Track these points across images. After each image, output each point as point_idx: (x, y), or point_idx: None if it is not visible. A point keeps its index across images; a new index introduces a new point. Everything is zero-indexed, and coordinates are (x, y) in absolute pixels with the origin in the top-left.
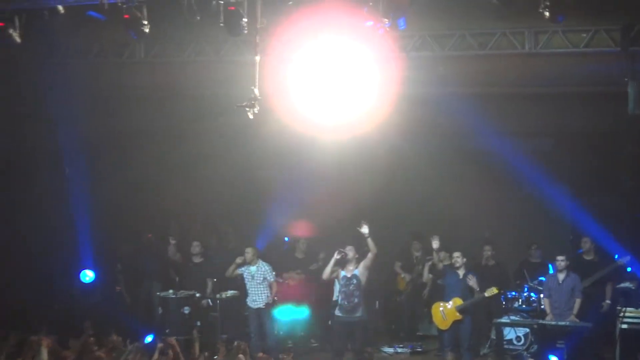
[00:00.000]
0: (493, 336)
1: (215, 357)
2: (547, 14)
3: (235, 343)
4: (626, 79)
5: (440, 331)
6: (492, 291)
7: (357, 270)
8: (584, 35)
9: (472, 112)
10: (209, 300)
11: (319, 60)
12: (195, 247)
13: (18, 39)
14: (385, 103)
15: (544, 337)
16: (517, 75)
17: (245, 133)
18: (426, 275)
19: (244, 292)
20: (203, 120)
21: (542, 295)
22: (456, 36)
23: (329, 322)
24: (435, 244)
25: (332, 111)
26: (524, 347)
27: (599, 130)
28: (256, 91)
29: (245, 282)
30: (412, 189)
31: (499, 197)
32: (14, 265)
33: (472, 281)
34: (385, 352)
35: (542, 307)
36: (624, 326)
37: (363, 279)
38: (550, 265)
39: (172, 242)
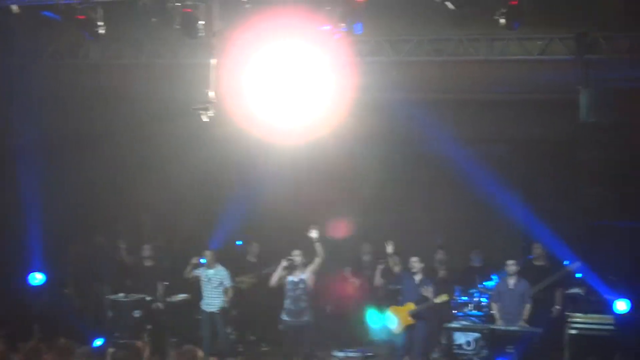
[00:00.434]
0: (444, 341)
1: None
2: (502, 21)
3: (185, 347)
4: (579, 87)
5: (393, 336)
6: (442, 298)
7: (304, 275)
8: (540, 42)
9: (427, 117)
10: (160, 304)
11: (275, 64)
12: (146, 250)
13: None
14: (340, 107)
15: (494, 342)
16: (472, 81)
17: (200, 136)
18: (378, 280)
19: (195, 296)
20: (158, 123)
21: (492, 301)
22: (413, 42)
23: (279, 327)
24: (390, 248)
25: (288, 115)
26: (474, 352)
27: (553, 138)
28: (211, 94)
29: (202, 284)
30: (365, 193)
31: (452, 202)
32: None
33: (428, 292)
34: (336, 356)
35: (492, 311)
36: (573, 331)
37: (310, 283)
38: (494, 276)
39: (122, 246)
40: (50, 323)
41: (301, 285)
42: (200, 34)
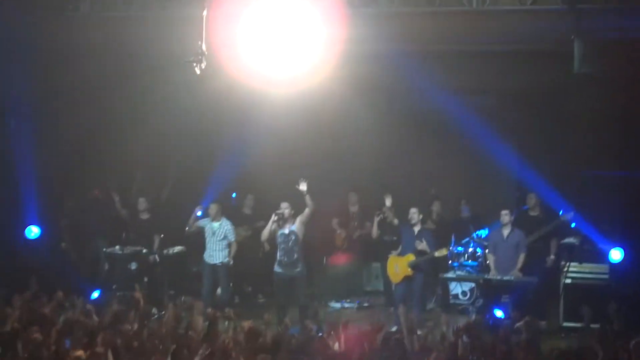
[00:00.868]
0: (439, 291)
1: (162, 312)
2: None
3: (182, 298)
4: (572, 37)
5: (392, 285)
6: (442, 252)
7: (294, 226)
8: None
9: (418, 69)
10: (156, 256)
11: (267, 15)
12: (142, 203)
13: None
14: (331, 58)
15: (489, 292)
16: (464, 32)
17: (193, 88)
18: (375, 232)
19: (191, 249)
20: (150, 75)
21: (487, 251)
22: None
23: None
24: (388, 201)
25: (279, 65)
26: (470, 302)
27: (545, 89)
28: (203, 46)
29: (205, 237)
30: (357, 145)
31: (444, 153)
32: None
33: (422, 245)
34: (332, 307)
35: (488, 262)
36: (568, 281)
37: (300, 234)
38: (485, 228)
39: (116, 199)
40: (47, 276)
41: (292, 237)
42: None
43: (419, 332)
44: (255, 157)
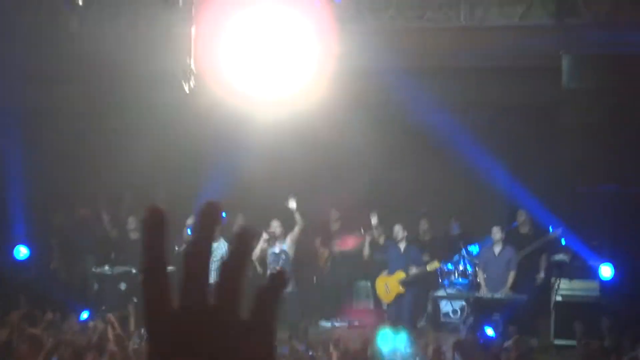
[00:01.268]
0: (430, 309)
1: None
2: None
3: None
4: (561, 53)
5: (382, 304)
6: (434, 265)
7: (285, 245)
8: (519, 8)
9: (408, 85)
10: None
11: (255, 32)
12: (131, 222)
13: None
14: (321, 76)
15: (479, 310)
16: (453, 48)
17: (180, 106)
18: (367, 252)
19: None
20: (138, 93)
21: (477, 268)
22: (392, 8)
23: None
24: (374, 220)
25: (269, 84)
26: (461, 320)
27: (535, 104)
28: (192, 64)
29: None
30: (346, 161)
31: (435, 169)
32: None
33: (414, 269)
34: (322, 326)
35: (478, 279)
36: (558, 298)
37: (291, 252)
38: (476, 244)
39: (105, 218)
40: (36, 296)
41: (283, 257)
42: (179, 3)
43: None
44: (245, 176)
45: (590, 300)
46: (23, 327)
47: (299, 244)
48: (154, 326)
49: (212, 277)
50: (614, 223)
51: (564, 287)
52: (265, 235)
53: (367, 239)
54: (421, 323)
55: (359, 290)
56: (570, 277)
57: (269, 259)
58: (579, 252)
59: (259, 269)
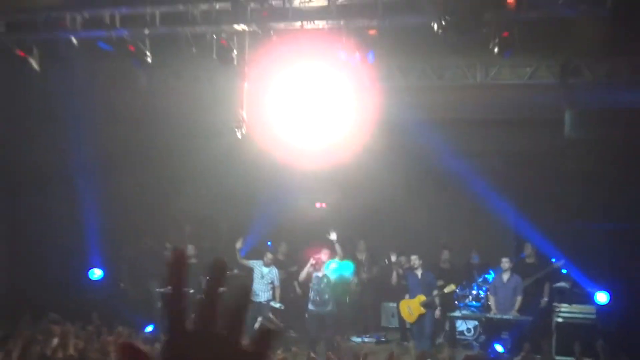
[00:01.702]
0: (447, 328)
1: None
2: (496, 50)
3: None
4: (563, 108)
5: (407, 324)
6: (451, 287)
7: (326, 271)
8: (528, 69)
9: (431, 134)
10: (202, 296)
11: (299, 88)
12: (190, 249)
13: (36, 67)
14: (357, 128)
15: (490, 329)
16: (470, 103)
17: (234, 150)
18: (395, 280)
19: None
20: (197, 138)
21: (489, 293)
22: (418, 68)
23: (305, 316)
24: (393, 257)
25: (309, 135)
26: (474, 338)
27: (541, 151)
28: (244, 114)
29: (254, 277)
30: (377, 200)
31: (454, 207)
32: (34, 266)
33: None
34: (353, 341)
35: (489, 302)
36: (560, 320)
37: (332, 277)
38: (491, 271)
39: (169, 247)
40: (107, 312)
41: (324, 280)
42: (234, 62)
43: None
44: (289, 211)
45: (588, 322)
46: (94, 338)
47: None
48: (171, 342)
49: (263, 296)
50: (609, 255)
51: (565, 311)
52: (312, 261)
53: (395, 272)
54: (439, 340)
55: (386, 311)
56: (570, 302)
57: (313, 281)
58: (578, 280)
59: (298, 290)
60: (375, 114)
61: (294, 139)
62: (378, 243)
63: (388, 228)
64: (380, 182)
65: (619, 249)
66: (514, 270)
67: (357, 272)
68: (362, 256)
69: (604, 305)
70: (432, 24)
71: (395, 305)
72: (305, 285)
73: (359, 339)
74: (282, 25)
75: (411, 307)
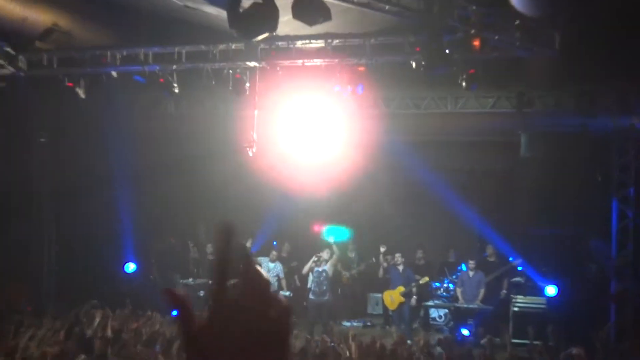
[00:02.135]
0: (422, 314)
1: None
2: (464, 84)
3: None
4: (519, 132)
5: (389, 311)
6: (424, 279)
7: (326, 267)
8: (490, 100)
9: (409, 153)
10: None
11: (300, 114)
12: (209, 247)
13: (83, 95)
14: (347, 146)
15: (458, 316)
16: (442, 127)
17: (245, 166)
18: (381, 273)
19: None
20: (214, 155)
21: (457, 286)
22: (399, 99)
23: (304, 304)
24: (383, 248)
25: (308, 153)
26: (444, 323)
27: (500, 168)
28: (254, 135)
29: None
30: (365, 208)
31: (429, 214)
32: (79, 261)
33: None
34: (344, 325)
35: (457, 294)
36: (516, 309)
37: (330, 272)
38: (463, 264)
39: (191, 244)
40: (140, 299)
41: (323, 274)
42: (246, 93)
43: (409, 342)
44: (292, 216)
45: (539, 311)
46: (131, 320)
47: (332, 267)
48: (216, 304)
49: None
50: (556, 255)
51: (520, 301)
52: (315, 258)
53: (383, 265)
54: (415, 325)
55: (371, 300)
56: (525, 294)
57: (314, 274)
58: (531, 276)
59: (297, 283)
60: (364, 136)
61: (296, 156)
62: (368, 244)
63: (375, 231)
64: (368, 193)
65: (564, 250)
66: (477, 267)
67: (347, 267)
68: (352, 254)
69: (553, 296)
70: (411, 62)
71: (380, 295)
72: (305, 278)
73: (348, 324)
74: (286, 62)
75: (393, 297)
